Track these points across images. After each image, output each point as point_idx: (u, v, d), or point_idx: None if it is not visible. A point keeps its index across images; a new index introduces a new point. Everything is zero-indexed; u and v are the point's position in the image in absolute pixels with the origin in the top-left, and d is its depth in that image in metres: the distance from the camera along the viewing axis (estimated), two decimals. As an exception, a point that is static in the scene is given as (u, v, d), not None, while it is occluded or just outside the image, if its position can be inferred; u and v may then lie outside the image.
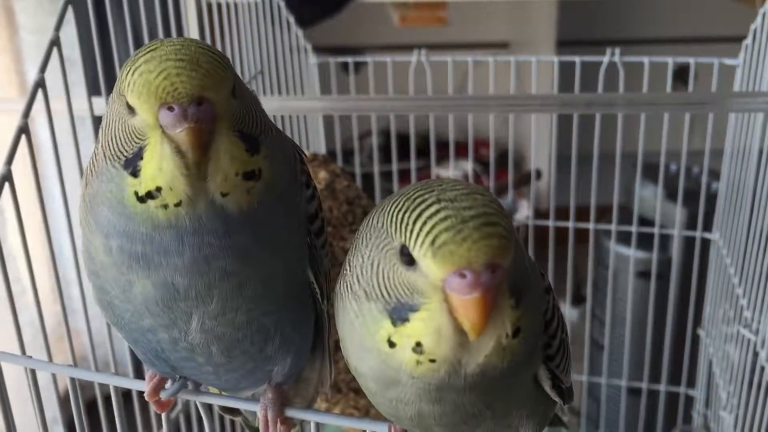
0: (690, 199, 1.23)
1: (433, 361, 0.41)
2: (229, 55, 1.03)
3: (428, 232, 0.39)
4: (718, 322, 1.12)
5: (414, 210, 0.40)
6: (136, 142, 0.46)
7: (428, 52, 1.18)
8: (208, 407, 0.58)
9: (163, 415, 0.56)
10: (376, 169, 1.25)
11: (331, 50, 1.42)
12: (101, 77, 0.80)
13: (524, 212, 2.02)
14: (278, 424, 0.53)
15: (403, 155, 1.32)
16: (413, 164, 1.25)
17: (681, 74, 1.20)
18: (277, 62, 1.14)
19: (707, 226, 1.18)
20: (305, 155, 0.55)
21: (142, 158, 0.45)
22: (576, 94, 1.01)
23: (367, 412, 0.94)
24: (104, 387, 0.76)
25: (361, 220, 0.92)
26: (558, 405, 0.51)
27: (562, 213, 1.21)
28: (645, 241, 1.27)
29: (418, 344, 0.41)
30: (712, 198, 1.17)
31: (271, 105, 0.85)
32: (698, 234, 1.18)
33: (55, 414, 0.66)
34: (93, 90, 0.81)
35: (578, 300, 1.88)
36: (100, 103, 0.82)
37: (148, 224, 0.46)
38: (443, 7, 2.15)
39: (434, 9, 2.17)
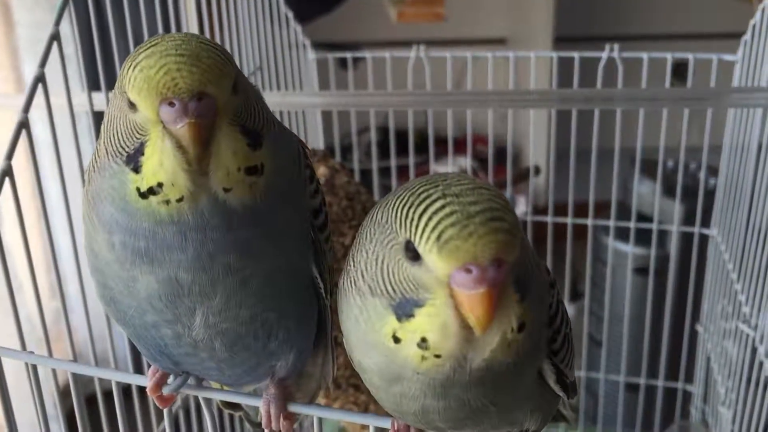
0: (688, 195, 1.23)
1: (438, 356, 0.41)
2: (227, 50, 1.03)
3: (434, 228, 0.39)
4: (717, 317, 1.13)
5: (419, 205, 0.40)
6: (137, 138, 0.46)
7: (425, 48, 1.18)
8: (210, 402, 0.58)
9: (165, 410, 0.56)
10: (375, 165, 1.25)
11: (330, 46, 1.42)
12: (101, 72, 0.80)
13: (522, 208, 2.03)
14: (281, 419, 0.53)
15: (401, 151, 1.32)
16: (412, 160, 1.25)
17: (679, 70, 1.20)
18: (275, 58, 1.14)
19: (705, 222, 1.19)
20: (308, 149, 0.55)
21: (143, 154, 0.45)
22: (575, 90, 1.02)
23: (367, 407, 0.94)
24: (101, 383, 0.77)
25: (361, 215, 0.92)
26: (560, 399, 0.51)
27: (560, 209, 1.21)
28: (643, 238, 1.28)
29: (424, 340, 0.41)
30: (709, 194, 1.17)
31: (270, 100, 0.85)
32: (696, 230, 1.18)
33: (54, 409, 0.66)
34: (90, 85, 0.81)
35: (575, 296, 1.89)
36: (98, 99, 0.82)
37: (150, 220, 0.46)
38: (440, 3, 2.14)
39: (431, 5, 2.17)
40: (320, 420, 0.53)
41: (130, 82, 0.44)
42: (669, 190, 1.30)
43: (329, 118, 1.27)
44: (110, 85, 0.81)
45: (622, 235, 1.36)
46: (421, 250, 0.40)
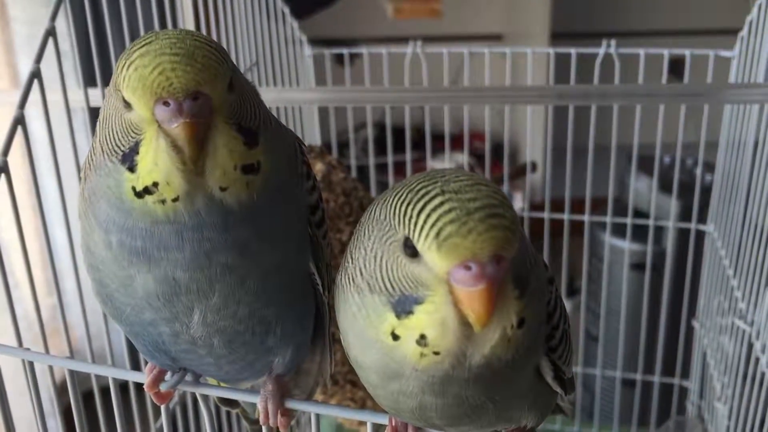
0: (684, 191, 1.23)
1: (437, 353, 0.41)
2: (224, 46, 1.03)
3: (432, 225, 0.39)
4: (713, 313, 1.13)
5: (418, 202, 0.40)
6: (132, 137, 0.45)
7: (422, 44, 1.18)
8: (207, 398, 0.58)
9: (162, 407, 0.56)
10: (372, 161, 1.25)
11: (326, 42, 1.42)
12: (96, 68, 0.80)
13: (519, 204, 2.03)
14: (278, 416, 0.53)
15: (398, 147, 1.31)
16: (409, 156, 1.25)
17: (675, 67, 1.20)
18: (272, 54, 1.14)
19: (702, 218, 1.19)
20: (305, 146, 0.55)
21: (138, 153, 0.45)
22: (572, 86, 1.01)
23: (364, 403, 0.94)
24: (98, 379, 0.76)
25: (358, 211, 0.92)
26: (558, 395, 0.51)
27: (556, 205, 1.21)
28: (639, 234, 1.28)
29: (423, 337, 0.41)
30: (706, 190, 1.17)
31: (267, 96, 0.85)
32: (693, 226, 1.18)
33: (51, 406, 0.66)
34: (86, 81, 0.80)
35: (571, 292, 1.89)
36: (94, 95, 0.82)
37: (146, 219, 0.46)
38: (437, -1, 2.14)
39: (428, 1, 2.17)
40: (317, 416, 0.53)
41: (124, 81, 0.44)
42: (665, 186, 1.30)
43: (326, 115, 1.27)
44: (106, 81, 0.80)
45: (619, 231, 1.36)
46: (419, 247, 0.40)
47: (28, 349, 0.57)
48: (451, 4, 2.38)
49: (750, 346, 0.92)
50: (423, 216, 0.40)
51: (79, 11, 0.79)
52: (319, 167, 0.92)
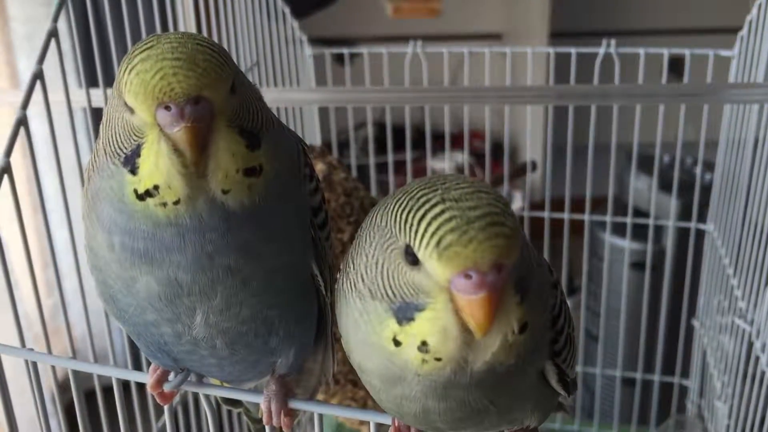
0: (684, 190, 1.23)
1: (439, 359, 0.41)
2: (224, 46, 1.03)
3: (433, 233, 0.39)
4: (713, 312, 1.13)
5: (418, 210, 0.40)
6: (134, 140, 0.45)
7: (422, 43, 1.18)
8: (210, 398, 0.58)
9: (166, 407, 0.56)
10: (372, 160, 1.25)
11: (326, 42, 1.42)
12: (98, 68, 0.80)
13: (519, 204, 2.03)
14: (282, 416, 0.53)
15: (397, 147, 1.32)
16: (409, 155, 1.25)
17: (674, 66, 1.20)
18: (272, 54, 1.14)
19: (701, 218, 1.19)
20: (308, 147, 0.55)
21: (140, 156, 0.45)
22: (572, 86, 1.01)
23: (365, 403, 0.94)
24: (99, 379, 0.76)
25: (359, 211, 0.92)
26: (560, 395, 0.51)
27: (556, 204, 1.22)
28: (639, 233, 1.28)
29: (424, 343, 0.41)
30: (705, 189, 1.18)
31: (267, 97, 0.85)
32: (693, 225, 1.18)
33: (52, 406, 0.66)
34: (87, 81, 0.81)
35: (571, 291, 1.89)
36: (96, 95, 0.82)
37: (148, 222, 0.46)
38: (436, -2, 2.15)
39: (427, 0, 2.17)
40: (321, 416, 0.53)
41: (126, 85, 0.44)
42: (665, 186, 1.31)
43: (326, 114, 1.27)
44: (107, 82, 0.81)
45: (619, 230, 1.36)
46: (420, 255, 0.40)
47: (32, 349, 0.57)
48: (450, 4, 2.39)
49: (750, 345, 0.92)
50: (424, 224, 0.40)
51: (81, 11, 0.79)
52: (320, 167, 0.92)
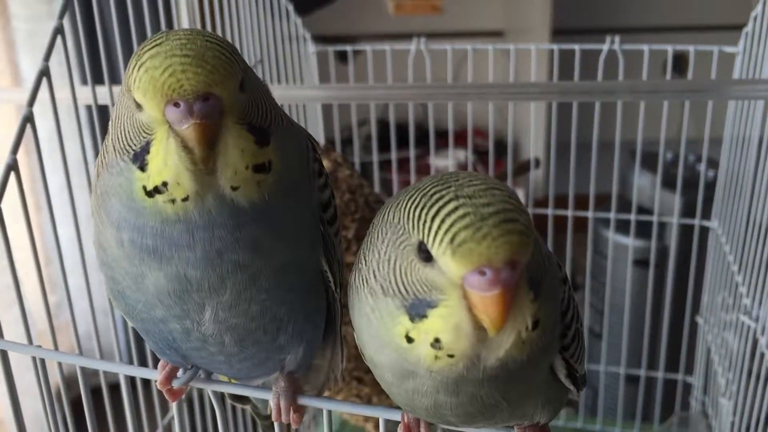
0: (687, 187, 1.23)
1: (451, 356, 0.41)
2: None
3: (447, 230, 0.39)
4: (717, 309, 1.13)
5: (432, 207, 0.40)
6: (143, 137, 0.45)
7: (425, 40, 1.18)
8: (219, 395, 0.58)
9: (174, 404, 0.56)
10: (375, 158, 1.25)
11: (329, 39, 1.42)
12: (104, 65, 0.80)
13: (522, 201, 2.03)
14: (291, 412, 0.53)
15: (399, 144, 1.32)
16: (412, 153, 1.25)
17: (678, 65, 1.20)
18: (276, 51, 1.14)
19: (705, 215, 1.19)
20: (317, 143, 0.55)
21: (149, 153, 0.45)
22: (576, 82, 1.01)
23: (370, 400, 0.94)
24: (102, 376, 0.77)
25: (364, 208, 0.92)
26: (569, 391, 0.51)
27: (560, 202, 1.21)
28: (643, 230, 1.28)
29: (437, 340, 0.41)
30: (709, 186, 1.18)
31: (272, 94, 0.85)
32: (697, 222, 1.18)
33: (58, 403, 0.66)
34: (93, 78, 0.80)
35: (575, 288, 1.89)
36: (100, 92, 0.82)
37: (157, 218, 0.46)
38: (438, -4, 2.15)
39: (429, -3, 2.17)
40: (329, 412, 0.53)
41: (135, 82, 0.44)
42: (669, 183, 1.31)
43: (329, 112, 1.27)
44: (112, 78, 0.81)
45: (622, 227, 1.36)
46: (434, 252, 0.40)
47: (39, 346, 0.57)
48: (451, 1, 2.38)
49: (755, 341, 0.92)
50: (437, 221, 0.40)
51: (85, 8, 0.79)
52: (325, 164, 0.92)
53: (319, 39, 1.31)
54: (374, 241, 0.44)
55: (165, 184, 0.45)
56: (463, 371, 0.42)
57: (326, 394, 0.89)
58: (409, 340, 0.42)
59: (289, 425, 0.54)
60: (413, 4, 2.17)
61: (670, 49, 1.13)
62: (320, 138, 1.29)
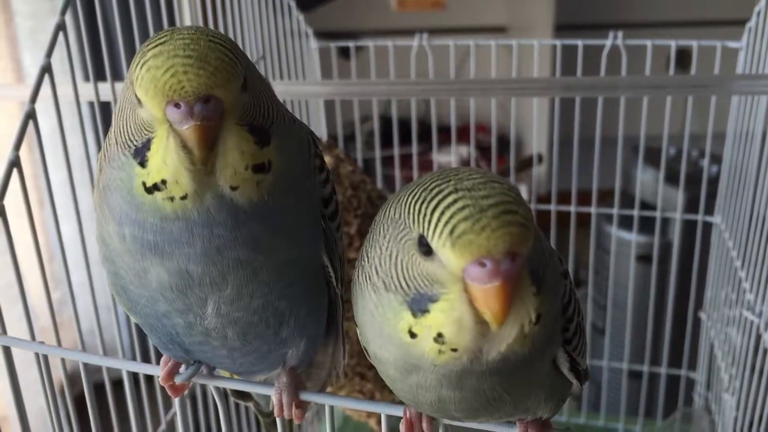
0: (690, 182, 1.23)
1: (455, 350, 0.41)
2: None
3: (446, 222, 0.39)
4: (720, 305, 1.13)
5: (431, 200, 0.40)
6: (145, 133, 0.45)
7: (428, 36, 1.18)
8: (222, 392, 0.58)
9: (177, 399, 0.56)
10: (378, 153, 1.25)
11: (332, 35, 1.41)
12: (105, 62, 0.80)
13: (524, 196, 2.03)
14: (293, 408, 0.53)
15: (402, 140, 1.31)
16: (415, 149, 1.25)
17: (681, 60, 1.20)
18: (278, 47, 1.14)
19: (708, 210, 1.19)
20: (319, 139, 0.55)
21: (149, 149, 0.45)
22: (579, 77, 1.01)
23: (372, 396, 0.94)
24: (106, 372, 0.77)
25: (366, 204, 0.92)
26: (572, 385, 0.51)
27: (563, 197, 1.21)
28: (646, 225, 1.28)
29: (440, 335, 0.41)
30: (712, 182, 1.17)
31: (274, 90, 0.85)
32: (700, 217, 1.18)
33: (61, 398, 0.66)
34: (95, 75, 0.80)
35: (577, 284, 1.89)
36: (103, 89, 0.82)
37: (156, 215, 0.46)
38: (441, -8, 2.14)
39: (431, -7, 2.17)
40: (332, 408, 0.53)
41: (137, 80, 0.44)
42: (672, 178, 1.30)
43: (331, 107, 1.27)
44: (114, 75, 0.80)
45: (625, 223, 1.36)
46: (434, 245, 0.40)
47: (42, 342, 0.57)
48: (454, -3, 2.38)
49: (758, 337, 0.92)
50: (437, 214, 0.40)
51: (87, 4, 0.79)
52: (327, 160, 0.92)
53: (322, 35, 1.31)
54: (376, 237, 0.44)
55: (164, 182, 0.45)
56: (467, 365, 0.42)
57: (329, 390, 0.90)
58: (413, 335, 0.42)
59: (291, 421, 0.54)
60: (416, 0, 2.17)
61: (673, 44, 1.12)
62: (323, 134, 1.29)
